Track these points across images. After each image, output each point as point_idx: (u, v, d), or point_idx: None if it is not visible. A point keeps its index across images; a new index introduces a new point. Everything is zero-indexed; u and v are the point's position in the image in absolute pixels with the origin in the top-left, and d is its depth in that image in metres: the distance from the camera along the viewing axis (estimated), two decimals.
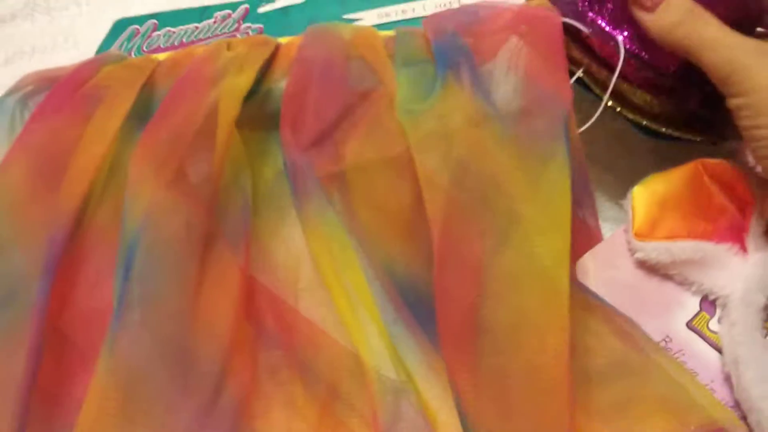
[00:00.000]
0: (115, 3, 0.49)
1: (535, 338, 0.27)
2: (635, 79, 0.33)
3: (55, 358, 0.30)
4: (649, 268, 0.31)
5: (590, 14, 0.33)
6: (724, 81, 0.28)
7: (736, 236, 0.31)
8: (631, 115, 0.33)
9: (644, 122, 0.33)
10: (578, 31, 0.33)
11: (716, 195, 0.31)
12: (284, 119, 0.33)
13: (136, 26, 0.46)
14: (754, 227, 0.31)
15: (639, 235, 0.31)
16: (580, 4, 0.33)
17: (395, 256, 0.31)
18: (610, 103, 0.32)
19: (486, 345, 0.27)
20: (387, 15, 0.41)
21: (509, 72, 0.32)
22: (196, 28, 0.44)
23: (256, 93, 0.34)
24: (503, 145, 0.30)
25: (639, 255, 0.31)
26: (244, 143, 0.33)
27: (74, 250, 0.32)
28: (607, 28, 0.32)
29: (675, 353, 0.30)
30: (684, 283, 0.31)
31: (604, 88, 0.32)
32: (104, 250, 0.32)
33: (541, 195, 0.29)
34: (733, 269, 0.30)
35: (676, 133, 0.33)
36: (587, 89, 0.33)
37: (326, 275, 0.31)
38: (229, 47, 0.37)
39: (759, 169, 0.31)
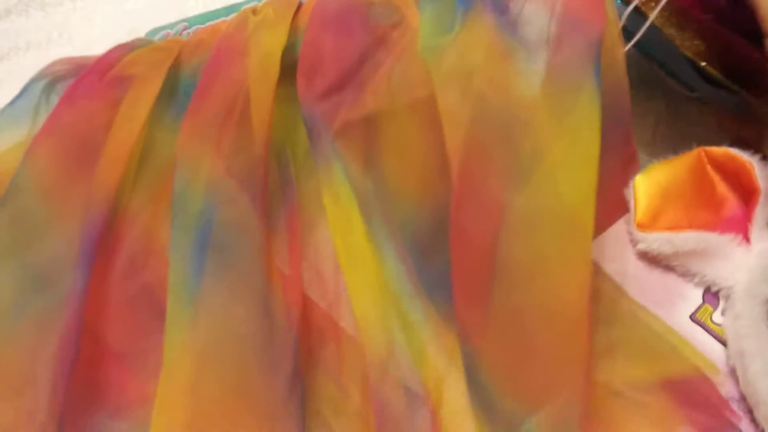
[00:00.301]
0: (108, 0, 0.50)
1: (556, 277, 0.27)
2: (688, 22, 0.30)
3: (86, 347, 0.30)
4: (651, 259, 0.31)
5: None
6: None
7: (740, 226, 0.30)
8: (687, 51, 0.30)
9: (702, 63, 0.30)
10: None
11: (719, 184, 0.31)
12: (301, 69, 0.32)
13: (168, 31, 0.45)
14: (757, 217, 0.30)
15: (641, 226, 0.30)
16: None
17: (415, 211, 0.30)
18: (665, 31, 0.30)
19: (502, 284, 0.27)
20: None
21: (539, 3, 0.30)
22: (224, 21, 0.42)
23: (286, 48, 0.33)
24: (528, 77, 0.29)
25: (641, 246, 0.30)
26: (281, 104, 0.32)
27: (110, 236, 0.31)
28: None
29: None
30: (686, 275, 0.30)
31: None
32: (138, 235, 0.32)
33: (568, 130, 0.28)
34: (736, 260, 0.30)
35: (726, 81, 0.31)
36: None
37: (336, 238, 0.30)
38: (254, 12, 0.36)
39: None
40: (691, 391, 0.27)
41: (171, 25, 0.44)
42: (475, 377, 0.27)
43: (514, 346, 0.27)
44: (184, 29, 0.43)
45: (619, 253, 0.31)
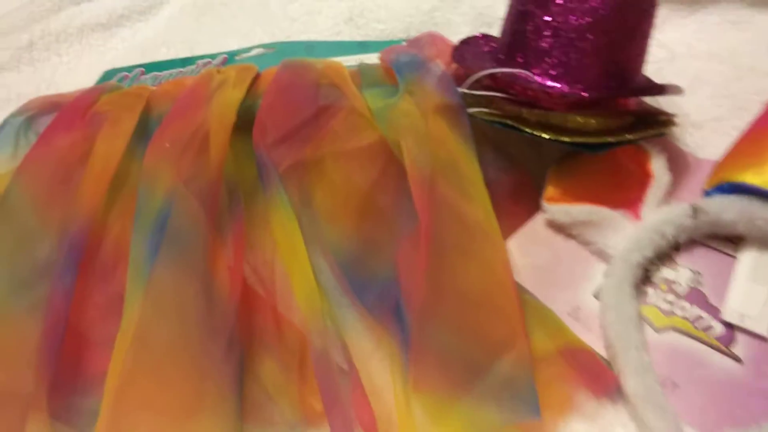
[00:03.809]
0: (90, 54, 0.56)
1: (484, 248, 0.34)
2: (561, 107, 0.36)
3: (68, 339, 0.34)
4: (557, 228, 0.36)
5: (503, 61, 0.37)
6: None
7: (633, 205, 0.35)
8: (568, 139, 0.35)
9: (584, 141, 0.35)
10: (507, 85, 0.37)
11: (621, 170, 0.36)
12: (257, 124, 0.39)
13: (125, 73, 0.51)
14: (649, 198, 0.35)
15: (548, 199, 0.36)
16: (494, 54, 0.39)
17: (343, 236, 0.36)
18: (549, 137, 0.34)
19: (437, 251, 0.33)
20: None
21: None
22: (180, 72, 0.50)
23: (244, 106, 0.41)
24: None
25: (547, 215, 0.36)
26: (236, 146, 0.39)
27: (88, 246, 0.37)
28: (523, 72, 0.36)
29: (585, 319, 0.34)
30: (583, 243, 0.36)
31: (541, 125, 0.35)
32: (110, 246, 0.37)
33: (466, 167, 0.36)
34: (625, 233, 0.35)
35: (616, 139, 0.35)
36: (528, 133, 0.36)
37: (282, 250, 0.36)
38: (218, 72, 0.44)
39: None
40: (581, 359, 0.32)
41: (128, 68, 0.51)
42: (436, 337, 0.32)
43: (450, 298, 0.33)
44: (142, 73, 0.50)
45: (534, 247, 0.37)
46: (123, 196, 0.39)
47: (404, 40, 0.45)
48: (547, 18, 0.35)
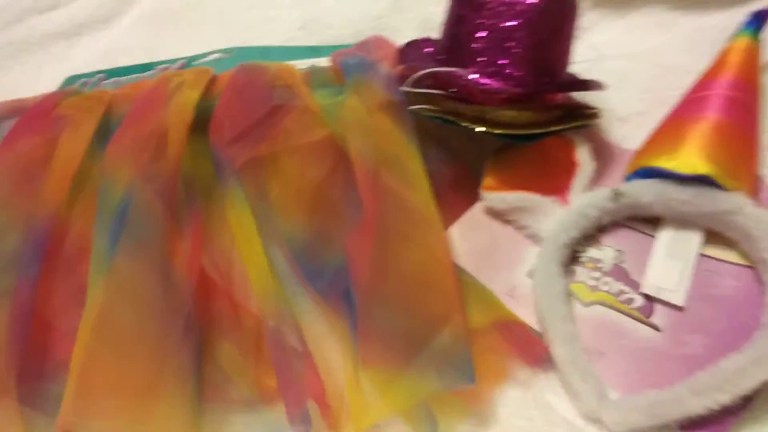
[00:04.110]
0: (52, 62, 0.57)
1: (425, 233, 0.36)
2: (494, 102, 0.38)
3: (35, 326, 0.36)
4: (494, 214, 0.39)
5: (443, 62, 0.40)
6: None
7: (562, 192, 0.38)
8: (500, 131, 0.37)
9: (516, 132, 0.38)
10: (446, 84, 0.39)
11: (551, 160, 0.39)
12: (214, 123, 0.41)
13: (87, 79, 0.52)
14: (576, 185, 0.38)
15: (486, 188, 0.39)
16: (434, 55, 0.42)
17: (296, 227, 0.38)
18: (483, 130, 0.37)
19: (381, 236, 0.36)
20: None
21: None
22: (140, 77, 0.52)
23: (201, 106, 0.43)
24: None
25: (484, 203, 0.39)
26: (193, 145, 0.41)
27: (53, 241, 0.39)
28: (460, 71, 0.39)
29: (520, 297, 0.36)
30: (519, 228, 0.39)
31: (478, 119, 0.38)
32: (73, 240, 0.39)
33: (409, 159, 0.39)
34: (554, 217, 0.38)
35: (544, 130, 0.38)
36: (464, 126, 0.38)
37: (239, 242, 0.38)
38: (176, 75, 0.46)
39: None
40: (515, 331, 0.35)
41: (90, 74, 0.53)
42: (381, 315, 0.34)
43: (393, 274, 0.35)
44: (103, 79, 0.52)
45: (474, 232, 0.40)
46: (85, 194, 0.40)
47: (353, 45, 0.48)
48: (479, 21, 0.38)
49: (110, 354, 0.33)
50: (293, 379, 0.34)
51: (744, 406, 0.30)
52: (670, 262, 0.36)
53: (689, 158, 0.36)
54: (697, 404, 0.30)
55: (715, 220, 0.35)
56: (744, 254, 0.35)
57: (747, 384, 0.30)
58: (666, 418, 0.31)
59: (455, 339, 0.33)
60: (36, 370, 0.35)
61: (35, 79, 0.56)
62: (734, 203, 0.34)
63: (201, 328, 0.36)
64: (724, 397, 0.30)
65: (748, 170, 0.37)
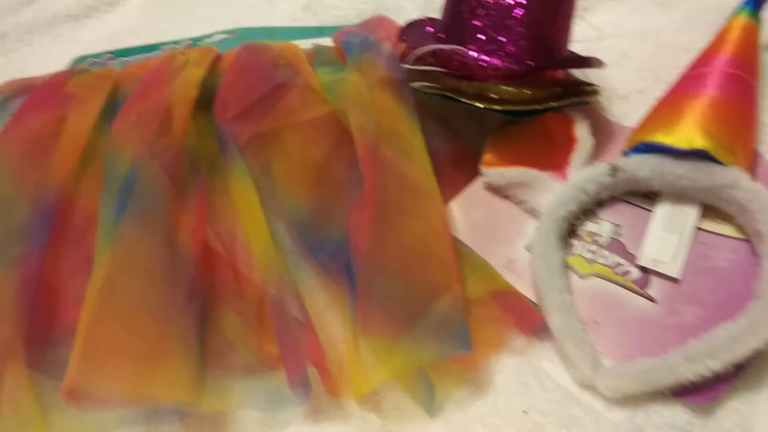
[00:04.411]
0: (61, 44, 0.58)
1: (424, 205, 0.37)
2: (494, 79, 0.39)
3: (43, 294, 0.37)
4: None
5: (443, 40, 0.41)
6: None
7: (560, 167, 0.39)
8: (500, 108, 0.38)
9: (515, 109, 0.38)
10: (447, 61, 0.40)
11: (550, 136, 0.39)
12: (218, 100, 0.42)
13: (95, 59, 0.53)
14: (574, 161, 0.39)
15: (486, 164, 0.40)
16: (436, 34, 0.42)
17: (299, 201, 0.39)
18: (483, 106, 0.38)
19: (381, 208, 0.36)
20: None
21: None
22: (147, 57, 0.52)
23: (206, 84, 0.43)
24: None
25: (484, 179, 0.40)
26: (198, 121, 0.41)
27: (60, 212, 0.39)
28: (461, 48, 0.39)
29: (518, 270, 0.37)
30: (518, 202, 0.39)
31: (478, 96, 0.38)
32: (80, 212, 0.40)
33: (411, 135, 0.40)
34: (553, 191, 0.38)
35: (543, 107, 0.39)
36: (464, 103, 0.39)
37: (242, 215, 0.39)
38: (181, 54, 0.46)
39: None
40: (511, 301, 0.36)
41: (98, 55, 0.54)
42: (380, 285, 0.35)
43: (393, 245, 0.36)
44: (111, 59, 0.53)
45: (474, 208, 0.40)
46: (93, 168, 0.41)
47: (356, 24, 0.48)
48: None
49: (115, 319, 0.33)
50: (294, 345, 0.35)
51: (736, 374, 0.31)
52: (666, 236, 0.36)
53: (686, 133, 0.36)
54: (690, 371, 0.31)
55: (712, 194, 0.36)
56: (739, 228, 0.36)
57: (739, 351, 0.30)
58: (659, 385, 0.31)
59: (453, 308, 0.34)
60: (44, 336, 0.35)
61: (44, 60, 0.56)
62: (730, 177, 0.35)
63: (205, 297, 0.36)
64: (716, 364, 0.30)
65: (745, 145, 0.37)
